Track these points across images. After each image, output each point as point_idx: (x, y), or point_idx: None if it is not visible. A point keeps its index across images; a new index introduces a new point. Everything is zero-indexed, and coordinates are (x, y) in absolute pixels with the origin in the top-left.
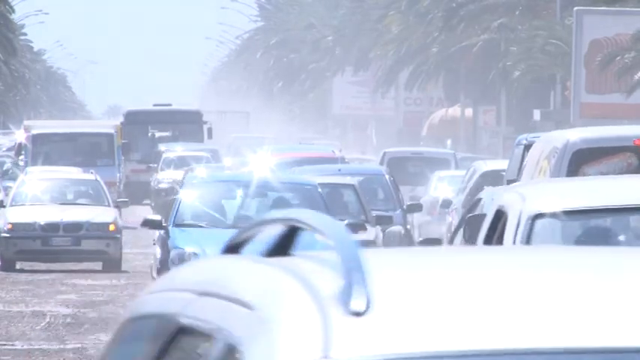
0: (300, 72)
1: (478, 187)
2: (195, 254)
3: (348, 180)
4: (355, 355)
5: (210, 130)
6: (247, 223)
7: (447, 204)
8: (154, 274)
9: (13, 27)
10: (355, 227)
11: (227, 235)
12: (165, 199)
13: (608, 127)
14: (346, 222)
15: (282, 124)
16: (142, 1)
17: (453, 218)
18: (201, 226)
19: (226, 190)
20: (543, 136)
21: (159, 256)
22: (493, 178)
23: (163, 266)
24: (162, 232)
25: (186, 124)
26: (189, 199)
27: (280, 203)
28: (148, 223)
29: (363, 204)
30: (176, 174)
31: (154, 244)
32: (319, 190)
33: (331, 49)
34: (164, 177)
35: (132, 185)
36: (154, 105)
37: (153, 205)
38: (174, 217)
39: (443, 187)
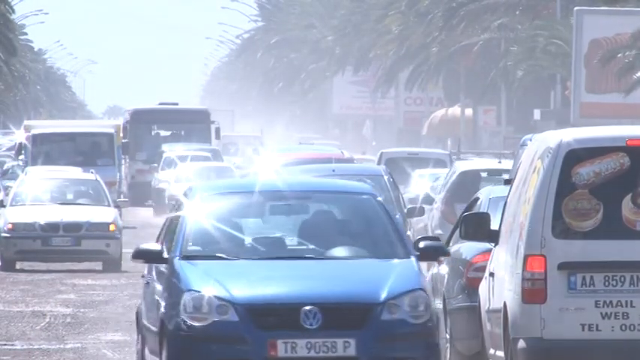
0: (300, 72)
1: (457, 185)
2: (217, 298)
3: None
4: None
5: (218, 130)
6: (285, 251)
7: (428, 200)
8: (144, 343)
9: (13, 27)
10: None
11: (259, 268)
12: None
13: (601, 127)
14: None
15: (280, 124)
16: (142, 1)
17: (435, 214)
18: (221, 258)
19: (250, 205)
20: (538, 136)
21: (158, 303)
22: (471, 177)
23: (170, 317)
24: (161, 267)
25: (194, 123)
26: (199, 220)
27: (326, 221)
28: (142, 255)
29: None
30: (174, 173)
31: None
32: (380, 199)
33: (331, 49)
34: (164, 177)
35: (137, 186)
36: (160, 104)
37: (154, 205)
38: (180, 246)
39: (424, 184)
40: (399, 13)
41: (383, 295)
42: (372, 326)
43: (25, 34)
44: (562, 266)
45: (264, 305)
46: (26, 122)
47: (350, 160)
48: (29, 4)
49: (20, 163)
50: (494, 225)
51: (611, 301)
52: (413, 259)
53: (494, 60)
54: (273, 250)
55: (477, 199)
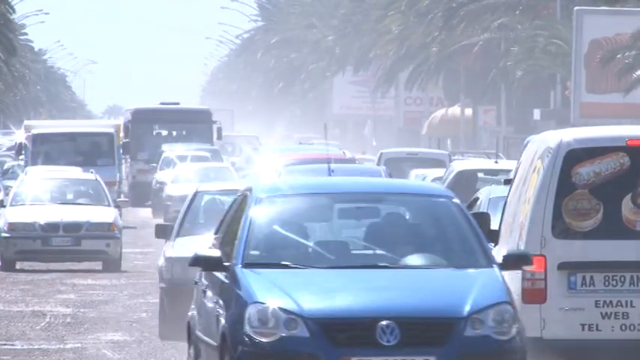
0: (301, 72)
1: (454, 184)
2: (285, 311)
3: None
4: None
5: (220, 130)
6: (357, 259)
7: None
8: (197, 356)
9: (13, 27)
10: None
11: (330, 278)
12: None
13: (601, 127)
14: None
15: (280, 124)
16: (142, 1)
17: None
18: (287, 266)
19: (317, 208)
20: (538, 136)
21: (217, 315)
22: (468, 176)
23: (233, 332)
24: (220, 275)
25: (195, 123)
26: (262, 224)
27: (401, 226)
28: (200, 262)
29: None
30: (172, 173)
31: (202, 290)
32: (458, 202)
33: (331, 49)
34: (162, 177)
35: (138, 186)
36: (161, 103)
37: (151, 205)
38: (242, 253)
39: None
40: (399, 13)
41: (466, 309)
42: (455, 343)
43: (25, 34)
44: (562, 266)
45: (337, 319)
46: (26, 122)
47: (352, 161)
48: (29, 4)
49: (20, 163)
50: (494, 225)
51: (611, 301)
52: (496, 268)
53: (494, 60)
54: (343, 258)
55: (477, 199)
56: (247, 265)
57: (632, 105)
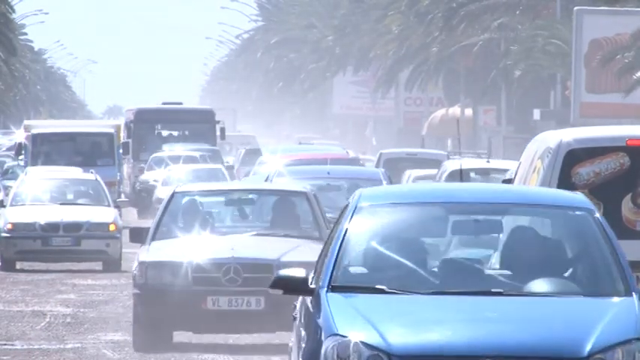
0: (300, 72)
1: None
2: (368, 346)
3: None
4: None
5: (223, 130)
6: (468, 283)
7: None
8: None
9: (13, 27)
10: None
11: (430, 306)
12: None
13: (601, 127)
14: None
15: (280, 124)
16: (142, 1)
17: None
18: (382, 291)
19: (426, 220)
20: (537, 136)
21: (299, 345)
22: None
23: None
24: (307, 300)
25: (198, 123)
26: (357, 239)
27: (526, 244)
28: (281, 284)
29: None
30: (163, 175)
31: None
32: (598, 217)
33: (331, 49)
34: (149, 177)
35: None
36: (164, 103)
37: (136, 206)
38: (330, 274)
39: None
40: (399, 13)
41: (587, 348)
42: None
43: (25, 34)
44: None
45: (430, 357)
46: (26, 122)
47: (355, 161)
48: (29, 4)
49: (20, 163)
50: None
51: None
52: (635, 297)
53: (494, 60)
54: (450, 283)
55: None
56: (334, 289)
57: (631, 105)
